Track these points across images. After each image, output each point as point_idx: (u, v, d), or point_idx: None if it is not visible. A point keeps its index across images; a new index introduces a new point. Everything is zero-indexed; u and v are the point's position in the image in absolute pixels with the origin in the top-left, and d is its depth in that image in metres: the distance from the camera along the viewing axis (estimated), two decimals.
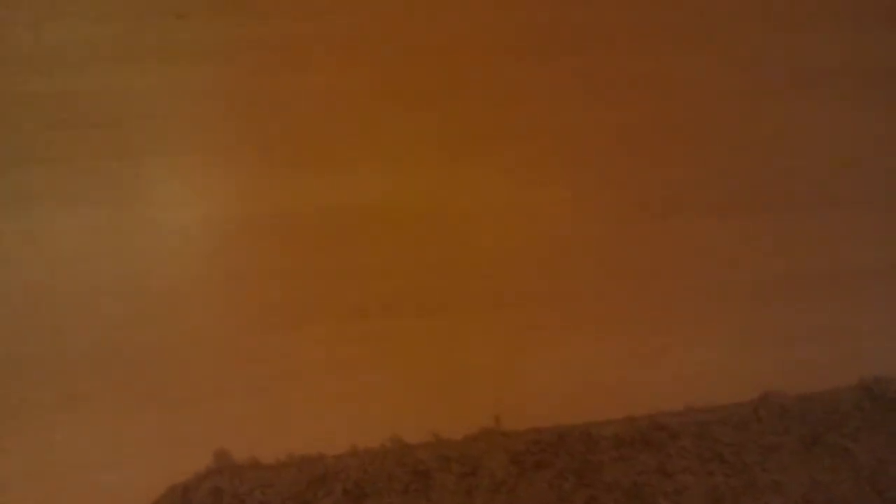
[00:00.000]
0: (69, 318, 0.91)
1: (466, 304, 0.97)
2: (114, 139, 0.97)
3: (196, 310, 0.94)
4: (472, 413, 0.90)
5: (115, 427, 0.88)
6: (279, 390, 0.91)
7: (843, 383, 0.95)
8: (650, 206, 1.06)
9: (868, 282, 1.05)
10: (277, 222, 0.98)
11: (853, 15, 1.20)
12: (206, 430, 0.88)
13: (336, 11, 1.05)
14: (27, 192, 0.94)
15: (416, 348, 0.95)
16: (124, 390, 0.89)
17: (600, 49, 1.12)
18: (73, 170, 0.95)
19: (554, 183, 1.05)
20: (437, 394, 0.92)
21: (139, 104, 0.98)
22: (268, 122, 1.01)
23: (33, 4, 0.98)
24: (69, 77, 0.97)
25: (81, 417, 0.88)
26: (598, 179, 1.06)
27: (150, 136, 0.98)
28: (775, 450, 0.90)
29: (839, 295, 1.04)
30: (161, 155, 0.98)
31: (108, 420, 0.88)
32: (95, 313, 0.92)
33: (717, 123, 1.11)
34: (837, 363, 0.97)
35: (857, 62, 1.18)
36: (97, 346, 0.91)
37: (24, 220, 0.93)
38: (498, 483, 0.86)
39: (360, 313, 0.96)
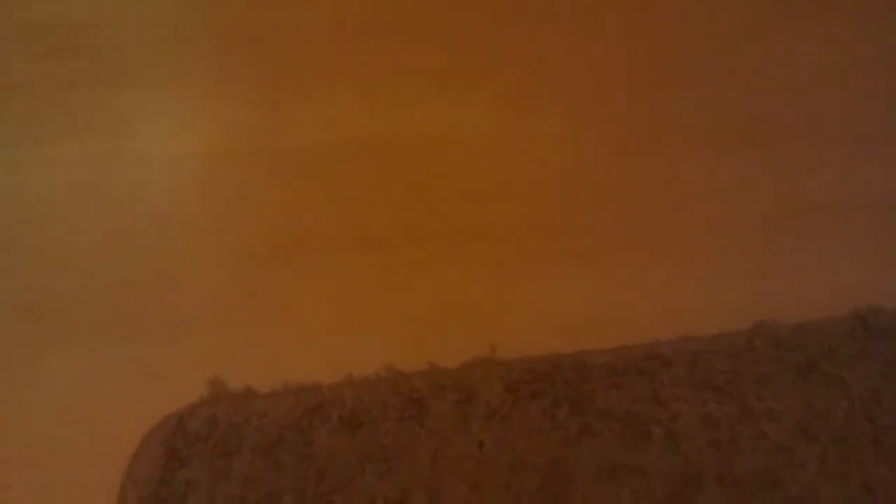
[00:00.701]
0: (55, 253, 0.91)
1: (460, 236, 0.97)
2: (99, 69, 0.96)
3: (186, 242, 0.93)
4: (467, 342, 0.90)
5: (108, 359, 0.87)
6: (273, 321, 0.91)
7: (838, 313, 0.95)
8: (645, 138, 1.05)
9: (861, 213, 1.04)
10: (266, 155, 0.97)
11: None
12: (200, 360, 0.88)
13: None
14: (8, 123, 0.93)
15: (410, 279, 0.94)
16: (116, 322, 0.89)
17: None
18: (57, 101, 0.94)
19: (547, 114, 1.04)
20: (432, 323, 0.92)
21: (125, 34, 0.97)
22: (256, 54, 1.00)
23: None
24: (53, 5, 0.96)
25: (72, 351, 0.87)
26: (592, 111, 1.05)
27: (136, 67, 0.97)
28: (769, 378, 0.90)
29: (833, 226, 1.03)
30: (148, 86, 0.97)
31: (100, 353, 0.88)
32: (82, 247, 0.91)
33: (713, 56, 1.11)
34: (832, 293, 0.97)
35: None
36: (86, 279, 0.90)
37: (4, 151, 0.92)
38: (493, 411, 0.86)
39: (353, 245, 0.95)
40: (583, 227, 1.00)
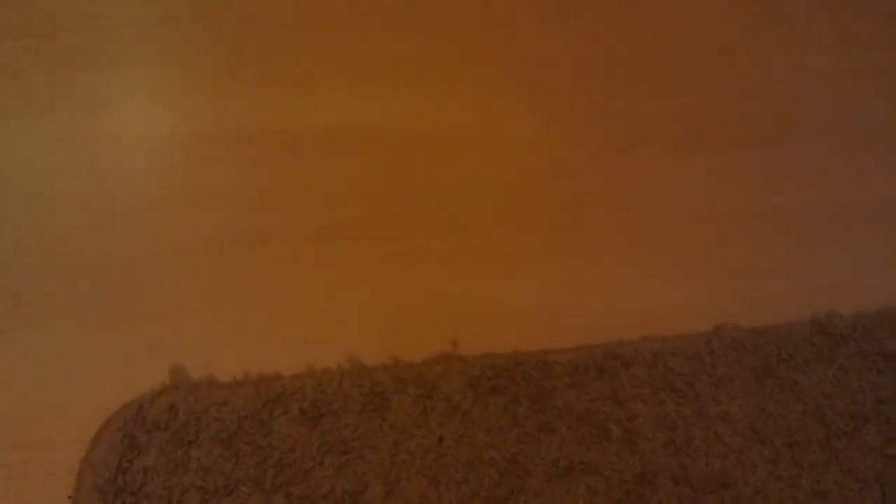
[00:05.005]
0: (23, 232, 0.90)
1: (429, 229, 0.97)
2: (73, 49, 0.94)
3: (156, 225, 0.93)
4: (431, 337, 0.91)
5: (69, 342, 0.87)
6: (237, 309, 0.90)
7: (797, 318, 0.97)
8: (618, 137, 1.06)
9: (823, 219, 1.06)
10: (241, 140, 0.97)
11: None
12: (162, 346, 0.87)
13: None
14: None
15: (376, 271, 0.94)
16: (79, 305, 0.88)
17: None
18: (29, 80, 0.93)
19: (522, 110, 1.05)
20: (396, 316, 0.92)
21: (100, 13, 0.95)
22: (235, 37, 0.99)
23: None
24: None
25: (34, 333, 0.87)
26: (568, 108, 1.06)
27: (111, 47, 0.96)
28: (727, 381, 0.91)
29: (796, 231, 1.05)
30: (123, 66, 0.96)
31: (62, 335, 0.87)
32: (51, 228, 0.90)
33: (690, 55, 1.11)
34: (792, 298, 0.98)
35: None
36: (51, 260, 0.89)
37: None
38: (454, 406, 0.87)
39: (321, 234, 0.95)
40: (550, 225, 1.00)
